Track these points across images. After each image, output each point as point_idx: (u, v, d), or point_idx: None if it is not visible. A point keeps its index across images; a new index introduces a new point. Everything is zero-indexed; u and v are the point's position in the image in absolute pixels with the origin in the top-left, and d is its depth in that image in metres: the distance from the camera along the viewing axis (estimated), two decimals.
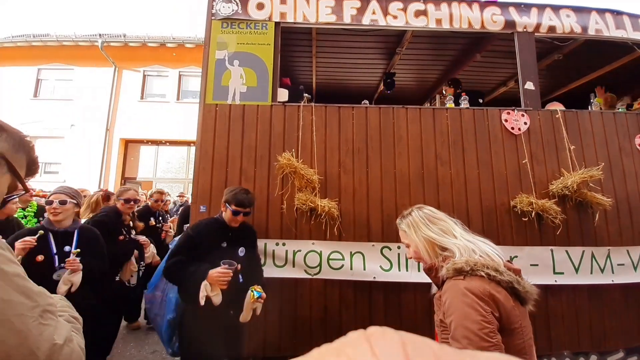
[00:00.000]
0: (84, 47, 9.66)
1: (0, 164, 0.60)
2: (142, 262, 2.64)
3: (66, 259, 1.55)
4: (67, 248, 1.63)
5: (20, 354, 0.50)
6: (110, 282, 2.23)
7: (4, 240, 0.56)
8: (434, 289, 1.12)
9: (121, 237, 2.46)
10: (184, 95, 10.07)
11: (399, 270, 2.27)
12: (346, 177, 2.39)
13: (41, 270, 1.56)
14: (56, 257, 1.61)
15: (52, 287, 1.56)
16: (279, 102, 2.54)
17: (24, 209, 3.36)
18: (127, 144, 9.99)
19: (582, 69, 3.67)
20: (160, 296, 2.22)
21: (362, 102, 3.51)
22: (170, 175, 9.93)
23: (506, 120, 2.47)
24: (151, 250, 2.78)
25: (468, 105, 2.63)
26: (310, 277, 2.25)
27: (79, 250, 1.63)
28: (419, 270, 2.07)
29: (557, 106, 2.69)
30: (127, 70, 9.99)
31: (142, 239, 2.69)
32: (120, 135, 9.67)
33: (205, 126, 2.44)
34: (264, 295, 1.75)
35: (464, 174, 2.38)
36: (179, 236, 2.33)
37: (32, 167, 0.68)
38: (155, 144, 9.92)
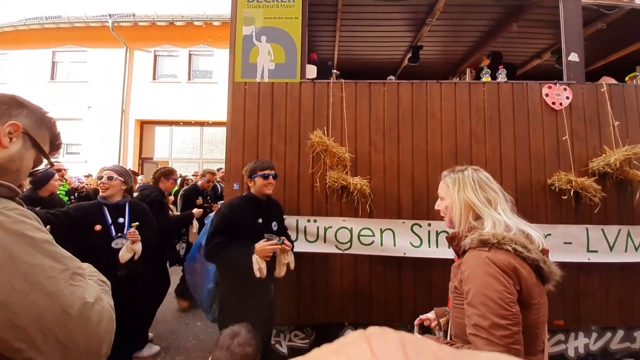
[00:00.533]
0: (95, 28, 9.57)
1: (24, 139, 0.60)
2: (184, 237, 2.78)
3: (127, 231, 1.66)
4: (120, 220, 1.75)
5: (52, 315, 0.51)
6: (172, 251, 2.35)
7: (30, 211, 0.57)
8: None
9: (171, 214, 2.59)
10: (194, 76, 9.98)
11: (429, 247, 2.30)
12: (377, 155, 2.38)
13: (100, 239, 1.69)
14: (112, 227, 1.73)
15: (110, 254, 1.71)
16: (307, 78, 2.49)
17: None
18: (142, 125, 10.12)
19: (626, 40, 3.40)
20: (200, 268, 2.35)
21: (388, 77, 3.40)
22: (185, 155, 10.10)
23: (547, 95, 2.35)
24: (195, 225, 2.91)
25: (506, 79, 2.51)
26: (341, 252, 2.31)
27: (137, 223, 1.73)
28: (449, 247, 2.09)
29: (610, 81, 2.52)
30: (138, 50, 9.91)
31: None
32: (135, 116, 9.78)
33: (235, 105, 2.43)
34: (287, 242, 1.80)
35: (500, 151, 2.32)
36: (214, 216, 2.41)
37: (55, 143, 0.69)
38: (169, 124, 10.01)
